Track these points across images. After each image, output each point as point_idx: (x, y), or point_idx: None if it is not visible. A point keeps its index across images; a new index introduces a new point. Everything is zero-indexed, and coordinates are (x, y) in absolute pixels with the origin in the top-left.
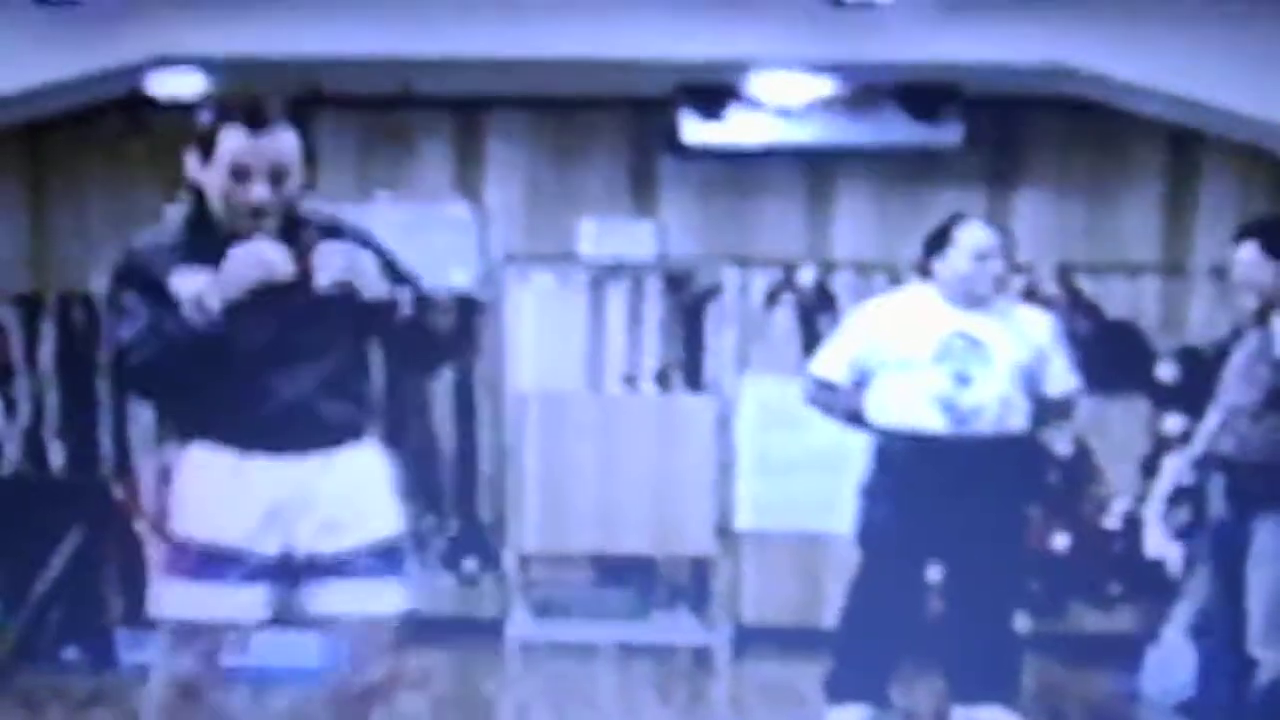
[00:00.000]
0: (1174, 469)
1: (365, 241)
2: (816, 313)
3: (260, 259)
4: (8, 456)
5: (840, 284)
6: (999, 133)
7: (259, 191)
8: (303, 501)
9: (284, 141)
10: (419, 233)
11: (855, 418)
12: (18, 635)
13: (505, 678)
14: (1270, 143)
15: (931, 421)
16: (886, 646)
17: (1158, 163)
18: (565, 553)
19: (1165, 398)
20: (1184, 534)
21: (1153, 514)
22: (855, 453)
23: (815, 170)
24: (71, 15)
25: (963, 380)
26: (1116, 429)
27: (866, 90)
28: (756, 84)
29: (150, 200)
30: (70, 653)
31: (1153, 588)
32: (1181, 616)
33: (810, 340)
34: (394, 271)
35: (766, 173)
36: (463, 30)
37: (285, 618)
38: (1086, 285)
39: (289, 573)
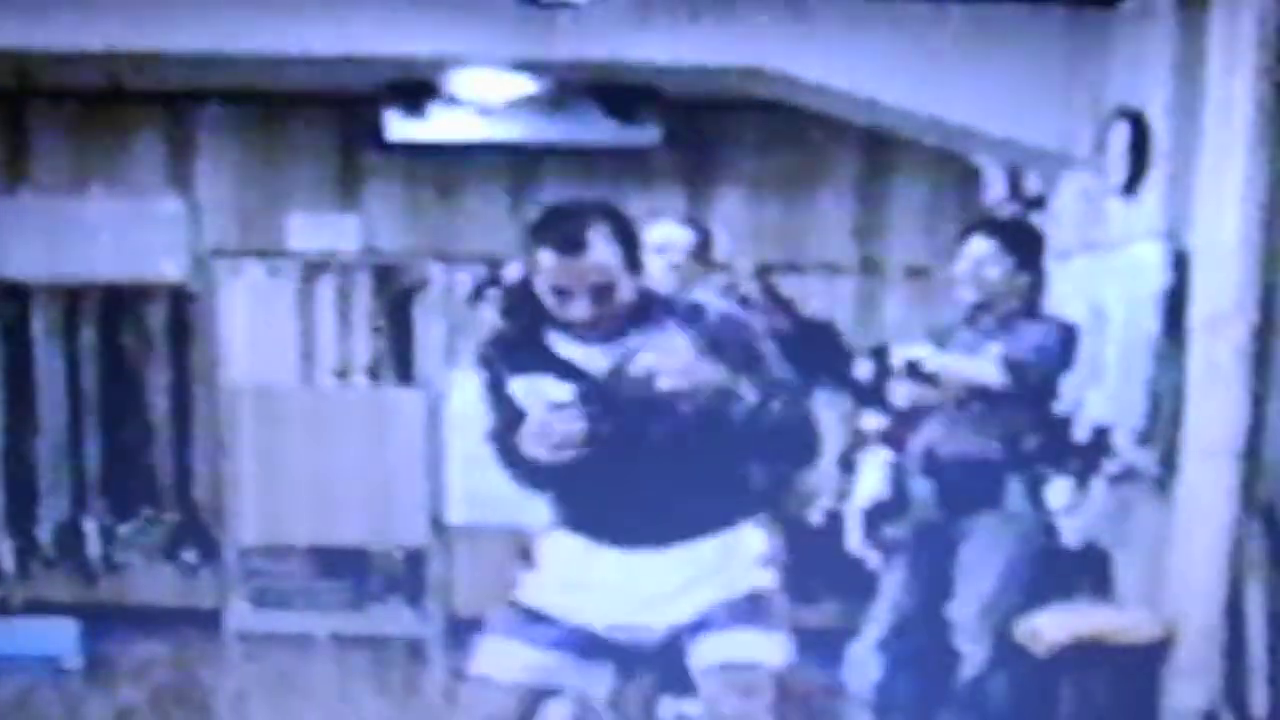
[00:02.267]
0: (874, 468)
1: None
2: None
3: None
4: None
5: None
6: (697, 133)
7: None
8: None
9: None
10: (132, 226)
11: None
12: None
13: (223, 667)
14: (957, 146)
15: None
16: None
17: (852, 164)
18: (282, 544)
19: (863, 395)
20: (882, 533)
21: (852, 511)
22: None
23: (518, 167)
24: None
25: None
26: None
27: (566, 89)
28: (458, 81)
29: None
30: None
31: (854, 583)
32: (880, 612)
33: None
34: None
35: (470, 169)
36: (170, 25)
37: None
38: (784, 285)
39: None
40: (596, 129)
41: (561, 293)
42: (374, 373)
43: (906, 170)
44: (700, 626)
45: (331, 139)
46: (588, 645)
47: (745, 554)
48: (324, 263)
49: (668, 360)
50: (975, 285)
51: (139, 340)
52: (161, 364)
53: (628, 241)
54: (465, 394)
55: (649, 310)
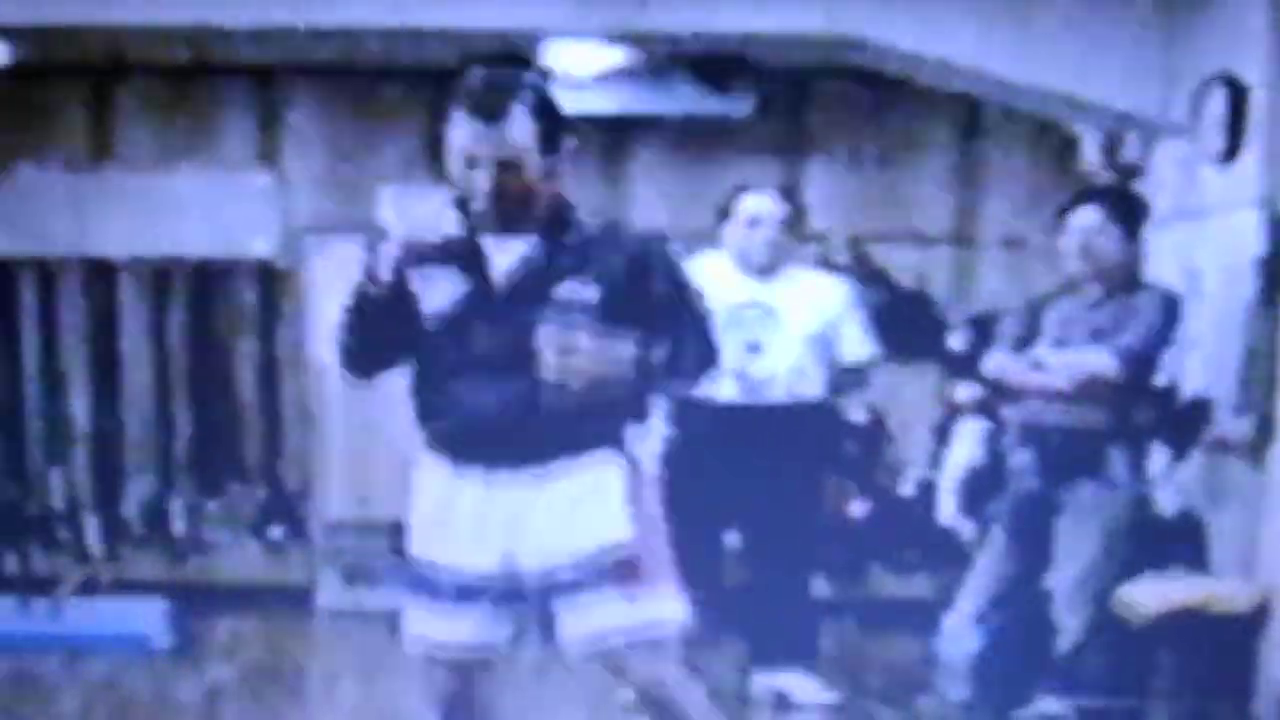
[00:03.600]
0: (969, 438)
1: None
2: None
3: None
4: None
5: None
6: (791, 103)
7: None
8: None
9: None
10: (221, 202)
11: None
12: None
13: (313, 645)
14: (1054, 113)
15: (725, 390)
16: (687, 612)
17: (947, 133)
18: (371, 520)
19: (956, 366)
20: (979, 503)
21: (946, 483)
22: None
23: (610, 139)
24: None
25: (754, 349)
26: (909, 397)
27: (659, 61)
28: (550, 54)
29: None
30: None
31: (948, 554)
32: (976, 583)
33: None
34: None
35: None
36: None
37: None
38: (878, 254)
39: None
40: (688, 100)
41: (471, 164)
42: None
43: (1002, 138)
44: (575, 587)
45: (422, 112)
46: (471, 592)
47: (607, 489)
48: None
49: (567, 347)
50: (1083, 257)
51: (227, 317)
52: (250, 340)
53: (549, 120)
54: None
55: (560, 225)
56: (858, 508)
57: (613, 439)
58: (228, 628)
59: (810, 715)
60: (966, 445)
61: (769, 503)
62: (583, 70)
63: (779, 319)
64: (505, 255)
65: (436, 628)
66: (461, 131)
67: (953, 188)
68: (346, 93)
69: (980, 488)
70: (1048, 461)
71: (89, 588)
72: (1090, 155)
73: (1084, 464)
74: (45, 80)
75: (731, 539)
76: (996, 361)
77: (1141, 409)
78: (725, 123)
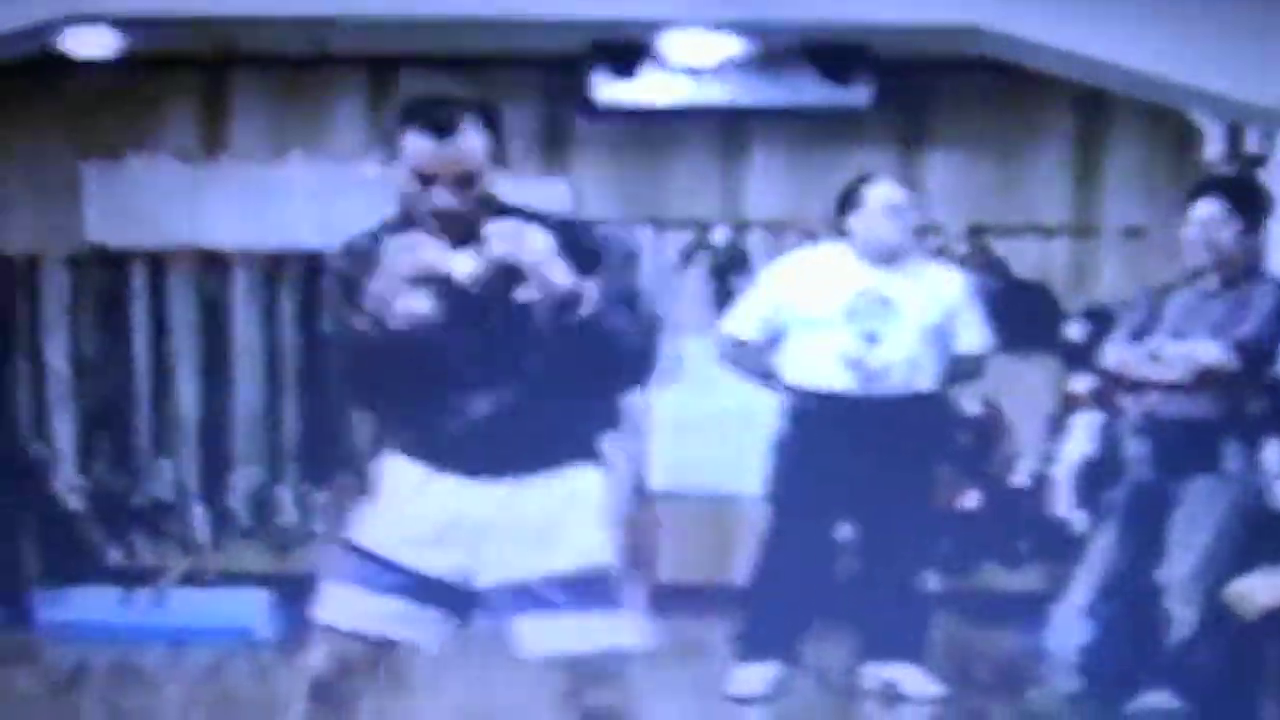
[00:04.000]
0: (1085, 429)
1: (542, 219)
2: (729, 272)
3: (414, 248)
4: None
5: (753, 243)
6: (909, 93)
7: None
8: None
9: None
10: (334, 193)
11: (767, 376)
12: None
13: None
14: (1177, 103)
15: (840, 380)
16: (797, 604)
17: (1067, 123)
18: None
19: (1074, 357)
20: (1094, 495)
21: (1061, 474)
22: (767, 412)
23: (728, 130)
24: None
25: (872, 339)
26: (1025, 388)
27: (777, 50)
28: (668, 43)
29: (65, 159)
30: None
31: (1060, 546)
32: (1088, 575)
33: (723, 300)
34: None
35: (679, 132)
36: None
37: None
38: (996, 245)
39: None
40: (807, 90)
41: (426, 181)
42: None
43: (1123, 129)
44: (536, 603)
45: (537, 102)
46: (421, 591)
47: (584, 503)
48: None
49: (525, 249)
50: (1205, 248)
51: None
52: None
53: (496, 133)
54: (671, 359)
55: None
56: (970, 500)
57: (590, 450)
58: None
59: (919, 708)
60: (1082, 437)
61: (881, 495)
62: (701, 61)
63: (897, 310)
64: (464, 266)
65: (358, 611)
66: (414, 148)
67: (1072, 178)
68: (459, 81)
69: (1095, 479)
70: (1162, 454)
71: (194, 578)
72: (1212, 146)
73: (1198, 457)
74: (158, 71)
75: (844, 531)
76: (1115, 353)
77: (1257, 401)
78: (843, 113)
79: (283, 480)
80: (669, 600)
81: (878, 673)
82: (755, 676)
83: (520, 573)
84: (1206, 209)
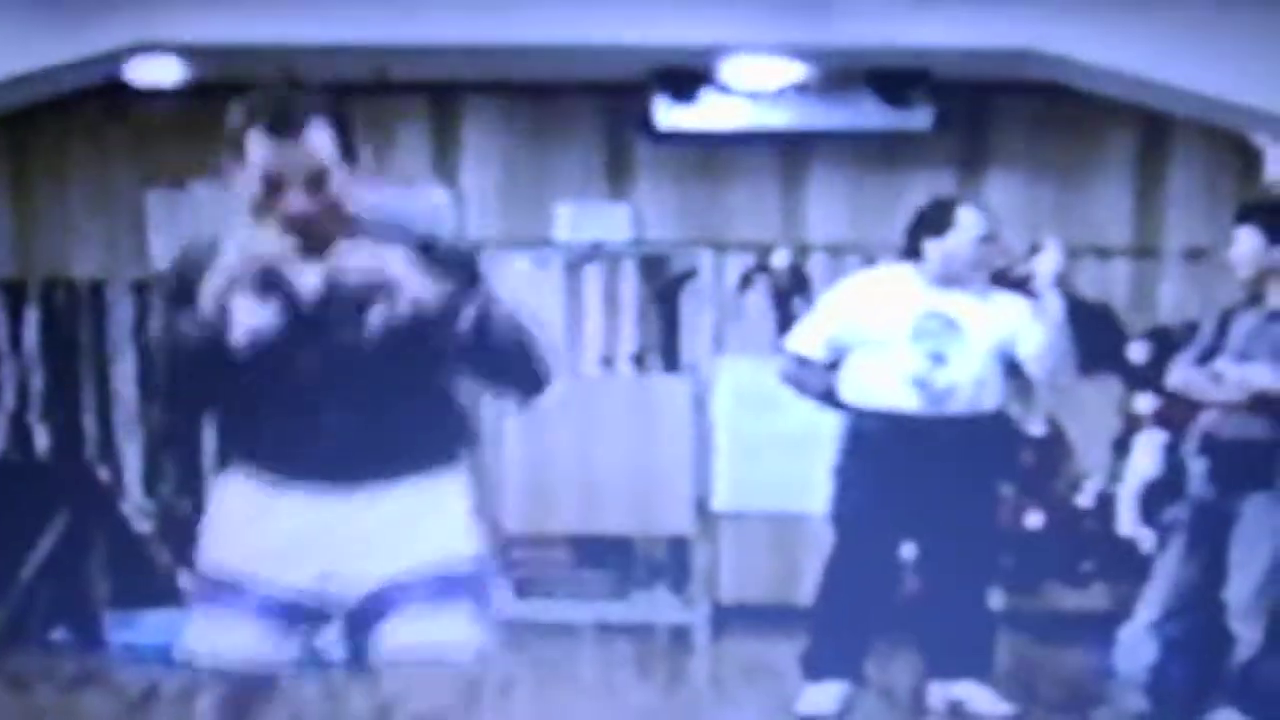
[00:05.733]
0: (1148, 449)
1: (403, 234)
2: (791, 295)
3: (254, 245)
4: None
5: (814, 266)
6: (970, 116)
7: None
8: (353, 538)
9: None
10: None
11: (830, 396)
12: (6, 618)
13: (487, 657)
14: (1238, 125)
15: (905, 400)
16: (862, 623)
17: (1128, 145)
18: (545, 534)
19: (1137, 378)
20: (1158, 514)
21: (1126, 494)
22: (830, 432)
23: (788, 154)
24: (51, 2)
25: (938, 360)
26: (1089, 408)
27: (838, 75)
28: (730, 69)
29: (130, 186)
30: (59, 634)
31: (1125, 566)
32: (1154, 594)
33: (785, 322)
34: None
35: (740, 156)
36: (438, 17)
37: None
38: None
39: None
40: (868, 114)
41: (273, 184)
42: (640, 361)
43: (1184, 151)
44: (390, 602)
45: (599, 127)
46: (276, 612)
47: (447, 509)
48: (591, 252)
49: (377, 262)
50: (1252, 269)
51: None
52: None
53: (344, 130)
54: (732, 381)
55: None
56: (1034, 519)
57: (448, 459)
58: None
59: None
60: (1146, 456)
61: (946, 514)
62: (763, 85)
63: (962, 331)
64: (311, 276)
65: (223, 642)
66: (260, 150)
67: (1134, 200)
68: (523, 108)
69: (1159, 499)
70: (1221, 473)
71: None
72: (1273, 166)
73: (1257, 476)
74: (222, 99)
75: (909, 550)
76: (1178, 374)
77: None
78: (904, 136)
79: None
80: (735, 620)
81: (945, 691)
82: (823, 696)
83: (377, 584)
84: (1249, 232)
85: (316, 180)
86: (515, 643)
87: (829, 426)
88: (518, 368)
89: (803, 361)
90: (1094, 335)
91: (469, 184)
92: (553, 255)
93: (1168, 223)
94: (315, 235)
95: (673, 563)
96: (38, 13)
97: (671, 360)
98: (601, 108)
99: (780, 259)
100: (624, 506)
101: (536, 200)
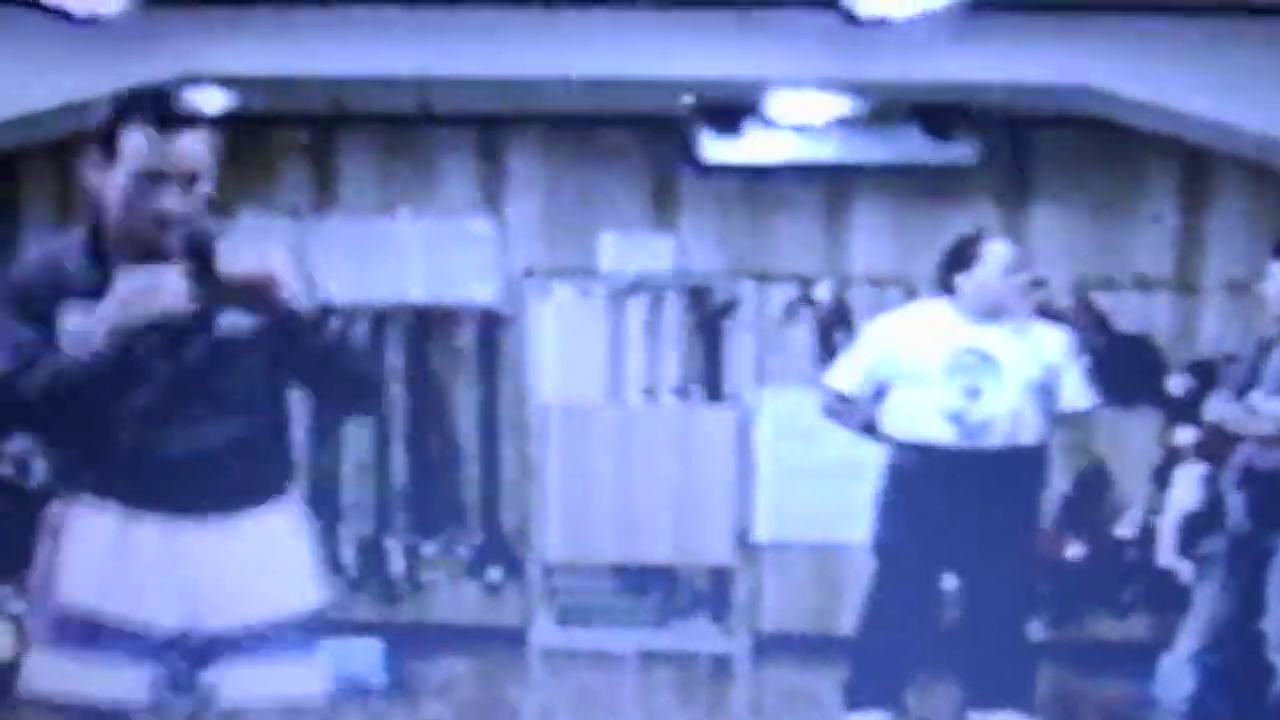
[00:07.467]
0: (1188, 481)
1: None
2: (833, 327)
3: (154, 287)
4: None
5: (856, 299)
6: (1013, 150)
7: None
8: (205, 571)
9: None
10: (441, 249)
11: (869, 429)
12: None
13: (528, 685)
14: (1279, 159)
15: (942, 434)
16: (903, 654)
17: (1170, 179)
18: (587, 562)
19: (1177, 410)
20: (1197, 546)
21: (1166, 525)
22: (872, 464)
23: (832, 187)
24: (98, 34)
25: (973, 394)
26: (1129, 441)
27: (882, 108)
28: (774, 102)
29: None
30: None
31: (1166, 596)
32: (1193, 625)
33: (827, 354)
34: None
35: (784, 189)
36: (483, 50)
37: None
38: (1100, 300)
39: (187, 651)
40: (912, 147)
41: (151, 180)
42: (683, 391)
43: (1225, 185)
44: (238, 648)
45: (644, 160)
46: (126, 649)
47: (291, 552)
48: (635, 283)
49: (260, 260)
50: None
51: (447, 361)
52: (469, 384)
53: (219, 131)
54: (775, 412)
55: (203, 253)
56: (1075, 550)
57: (278, 491)
58: (443, 668)
59: None
60: (1186, 488)
61: (986, 545)
62: (807, 119)
63: (999, 365)
64: (155, 288)
65: (70, 680)
66: (133, 145)
67: (1175, 233)
68: (568, 139)
69: (1199, 530)
70: (1258, 505)
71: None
72: None
73: None
74: (268, 128)
75: (949, 580)
76: (1217, 406)
77: None
78: (948, 170)
79: (392, 530)
80: (776, 649)
81: None
82: None
83: (228, 619)
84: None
85: (190, 179)
86: (556, 671)
87: (871, 457)
88: (363, 384)
89: (842, 397)
90: (1135, 368)
91: (514, 215)
92: (597, 286)
93: (1209, 256)
94: (182, 236)
95: (714, 592)
96: (85, 43)
97: (714, 391)
98: (647, 140)
99: (823, 291)
100: (666, 536)
101: (581, 231)
